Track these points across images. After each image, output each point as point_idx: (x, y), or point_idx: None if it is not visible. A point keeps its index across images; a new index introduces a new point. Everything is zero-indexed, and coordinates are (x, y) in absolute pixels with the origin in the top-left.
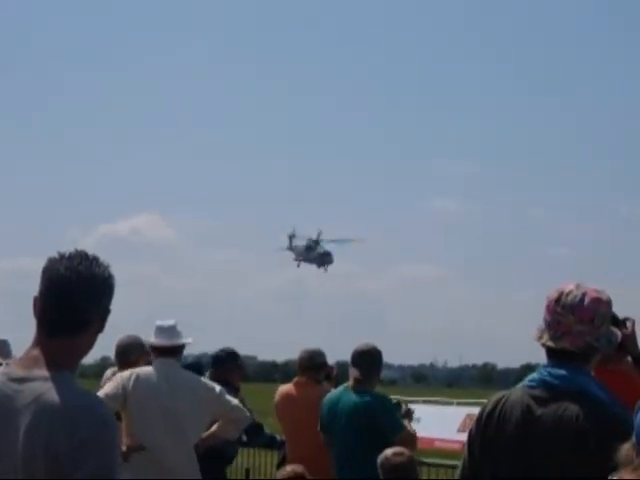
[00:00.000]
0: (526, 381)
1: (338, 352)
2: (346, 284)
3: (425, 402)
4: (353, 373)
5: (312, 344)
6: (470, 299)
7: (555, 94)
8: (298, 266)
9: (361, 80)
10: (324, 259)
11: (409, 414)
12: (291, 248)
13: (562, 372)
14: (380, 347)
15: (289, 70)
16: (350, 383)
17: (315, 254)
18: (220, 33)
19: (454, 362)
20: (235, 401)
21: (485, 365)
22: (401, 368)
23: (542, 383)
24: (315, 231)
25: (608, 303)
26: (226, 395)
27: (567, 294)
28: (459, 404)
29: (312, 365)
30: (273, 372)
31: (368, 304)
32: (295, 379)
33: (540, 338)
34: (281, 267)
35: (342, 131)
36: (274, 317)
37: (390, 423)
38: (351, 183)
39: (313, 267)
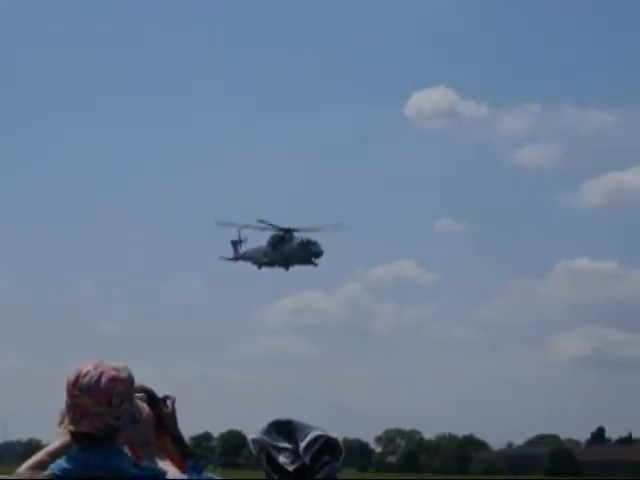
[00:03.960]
0: (56, 469)
1: None
2: None
3: None
4: None
5: None
6: None
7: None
8: (259, 268)
9: None
10: (308, 250)
11: None
12: (241, 256)
13: (92, 458)
14: None
15: None
16: None
17: (292, 247)
18: None
19: None
20: None
21: (30, 441)
22: None
23: (73, 472)
24: None
25: (127, 380)
26: None
27: (84, 375)
28: None
29: None
30: None
31: None
32: None
33: (62, 422)
34: None
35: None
36: None
37: None
38: None
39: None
